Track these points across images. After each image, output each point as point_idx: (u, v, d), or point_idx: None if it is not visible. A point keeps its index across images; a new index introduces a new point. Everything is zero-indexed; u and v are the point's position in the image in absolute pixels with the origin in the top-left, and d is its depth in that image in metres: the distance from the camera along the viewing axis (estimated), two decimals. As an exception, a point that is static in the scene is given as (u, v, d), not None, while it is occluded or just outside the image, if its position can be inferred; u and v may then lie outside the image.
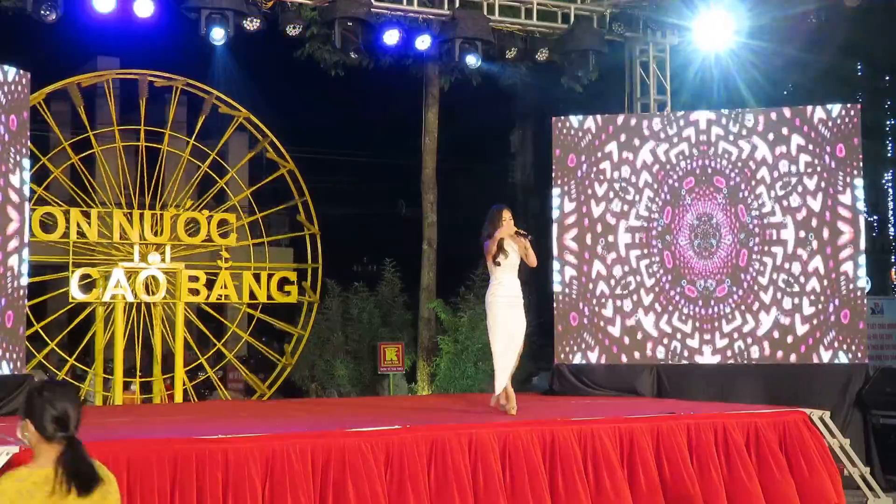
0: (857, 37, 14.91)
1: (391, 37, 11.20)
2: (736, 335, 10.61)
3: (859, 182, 10.53)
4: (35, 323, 11.41)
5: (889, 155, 18.43)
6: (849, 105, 10.87)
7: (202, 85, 12.53)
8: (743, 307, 10.63)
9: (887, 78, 18.18)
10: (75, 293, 11.56)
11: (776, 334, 10.51)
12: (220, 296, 12.35)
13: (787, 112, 10.82)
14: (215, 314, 12.97)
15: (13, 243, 8.93)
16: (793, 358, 10.44)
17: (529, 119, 19.07)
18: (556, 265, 11.02)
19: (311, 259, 13.11)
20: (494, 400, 8.27)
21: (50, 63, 13.00)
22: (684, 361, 10.69)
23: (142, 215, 11.92)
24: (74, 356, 12.08)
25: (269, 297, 12.58)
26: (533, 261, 8.21)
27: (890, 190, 18.88)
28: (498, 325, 8.16)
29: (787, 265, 10.56)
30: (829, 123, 10.59)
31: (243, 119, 12.77)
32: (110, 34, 12.91)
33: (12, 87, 9.12)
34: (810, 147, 10.61)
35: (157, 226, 11.98)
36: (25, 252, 9.14)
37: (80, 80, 12.22)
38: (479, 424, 7.18)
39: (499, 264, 8.11)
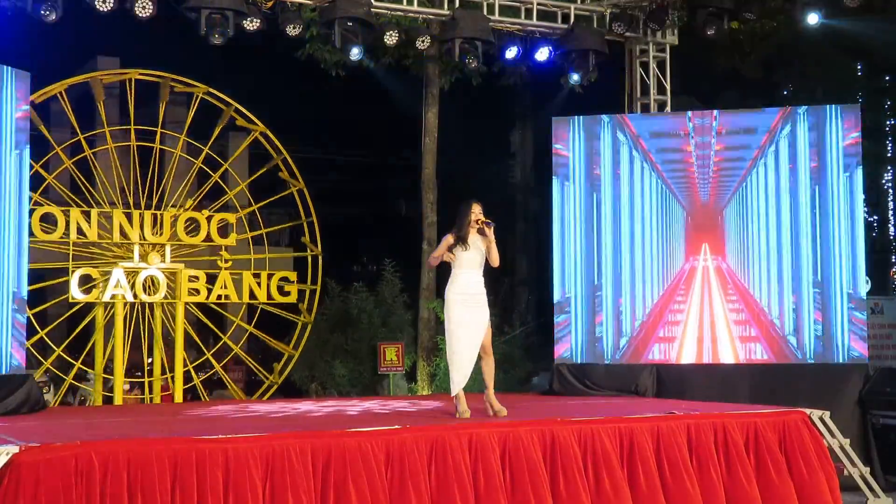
0: (857, 37, 14.90)
1: (392, 37, 11.19)
2: (737, 335, 10.62)
3: (859, 182, 10.54)
4: (38, 328, 11.41)
5: (889, 155, 18.41)
6: (849, 105, 10.88)
7: (222, 95, 12.53)
8: (743, 306, 10.64)
9: (887, 78, 18.16)
10: (75, 293, 11.56)
11: (776, 334, 10.52)
12: (221, 296, 12.35)
13: (786, 112, 10.83)
14: (210, 325, 12.93)
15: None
16: (792, 358, 10.45)
17: (529, 119, 19.06)
18: (556, 264, 11.03)
19: (310, 280, 13.07)
20: (459, 405, 7.95)
21: (50, 63, 12.97)
22: (684, 361, 10.71)
23: (142, 215, 11.91)
24: (81, 360, 12.07)
25: (269, 297, 12.58)
26: (495, 259, 7.93)
27: (890, 190, 18.85)
28: (450, 325, 7.91)
29: (786, 265, 10.56)
30: (829, 123, 10.59)
31: (259, 135, 12.78)
32: (110, 34, 12.90)
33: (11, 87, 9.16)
34: (811, 146, 10.61)
35: (157, 226, 11.98)
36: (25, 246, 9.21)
37: (103, 76, 12.31)
38: (479, 424, 7.19)
39: (454, 257, 7.88)
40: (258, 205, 13.18)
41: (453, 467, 6.74)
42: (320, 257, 13.10)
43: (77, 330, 12.17)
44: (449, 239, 7.97)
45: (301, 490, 6.28)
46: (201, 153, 12.82)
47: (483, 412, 8.11)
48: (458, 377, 7.93)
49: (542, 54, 11.78)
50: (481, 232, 7.91)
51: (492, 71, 13.61)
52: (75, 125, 12.14)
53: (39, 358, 11.87)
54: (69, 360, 12.10)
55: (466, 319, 7.89)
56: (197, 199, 12.63)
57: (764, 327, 10.57)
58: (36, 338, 11.44)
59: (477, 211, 7.93)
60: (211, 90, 12.49)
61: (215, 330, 12.95)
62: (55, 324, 12.27)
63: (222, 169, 12.98)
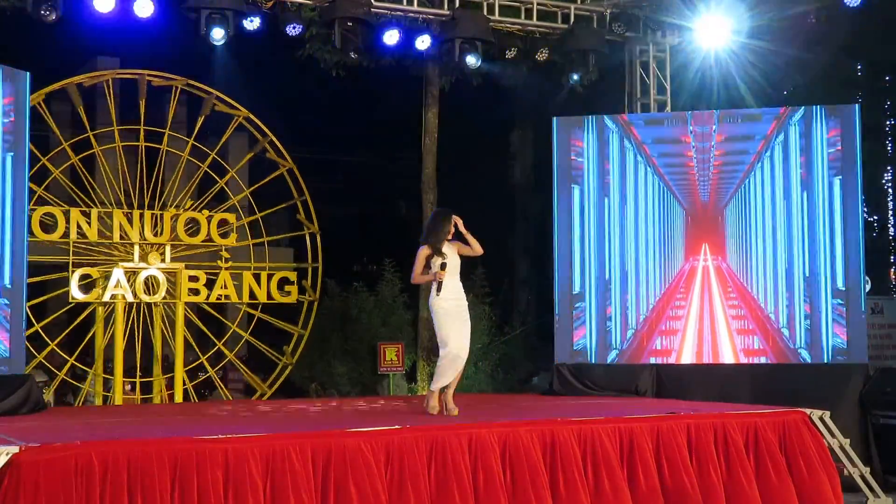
0: (857, 37, 14.89)
1: (391, 37, 11.20)
2: (737, 335, 10.63)
3: (858, 182, 10.55)
4: (34, 322, 11.39)
5: (889, 155, 18.40)
6: (848, 105, 10.89)
7: (201, 85, 12.51)
8: (743, 306, 10.64)
9: (887, 78, 18.14)
10: (75, 293, 11.56)
11: (776, 334, 10.52)
12: (220, 296, 12.34)
13: (786, 112, 10.83)
14: (207, 332, 12.92)
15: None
16: (792, 358, 10.46)
17: (529, 119, 19.03)
18: (556, 264, 11.03)
19: (311, 258, 13.10)
20: (435, 401, 8.14)
21: (50, 63, 12.97)
22: (684, 361, 10.71)
23: (142, 215, 11.92)
24: (74, 356, 12.06)
25: (269, 296, 12.57)
26: (478, 249, 8.13)
27: (890, 190, 18.83)
28: (442, 332, 8.11)
29: (786, 264, 10.57)
30: (828, 123, 10.60)
31: (243, 119, 12.76)
32: (110, 34, 12.90)
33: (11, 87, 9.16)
34: (810, 146, 10.62)
35: (157, 226, 11.99)
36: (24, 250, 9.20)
37: (82, 80, 12.24)
38: (479, 424, 7.19)
39: (443, 275, 8.03)
40: (262, 213, 13.16)
41: (453, 467, 6.74)
42: (320, 268, 13.10)
43: (73, 324, 12.15)
44: (426, 251, 8.09)
45: (301, 490, 6.28)
46: (201, 153, 12.81)
47: (486, 412, 8.15)
48: (443, 379, 8.11)
49: (542, 54, 11.77)
50: (457, 237, 8.06)
51: (492, 71, 13.60)
52: (85, 122, 12.13)
53: (36, 354, 11.87)
54: (67, 358, 12.10)
55: (457, 326, 8.11)
56: (200, 205, 12.61)
57: (764, 327, 10.57)
58: (31, 330, 11.40)
59: (456, 222, 8.11)
60: (189, 81, 12.46)
61: (212, 337, 12.93)
62: (52, 317, 12.26)
63: (227, 177, 12.96)
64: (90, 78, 12.31)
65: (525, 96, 18.12)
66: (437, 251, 8.04)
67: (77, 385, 12.67)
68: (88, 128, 12.14)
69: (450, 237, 8.10)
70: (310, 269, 13.13)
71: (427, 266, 8.08)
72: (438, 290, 8.02)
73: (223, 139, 12.91)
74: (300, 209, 13.11)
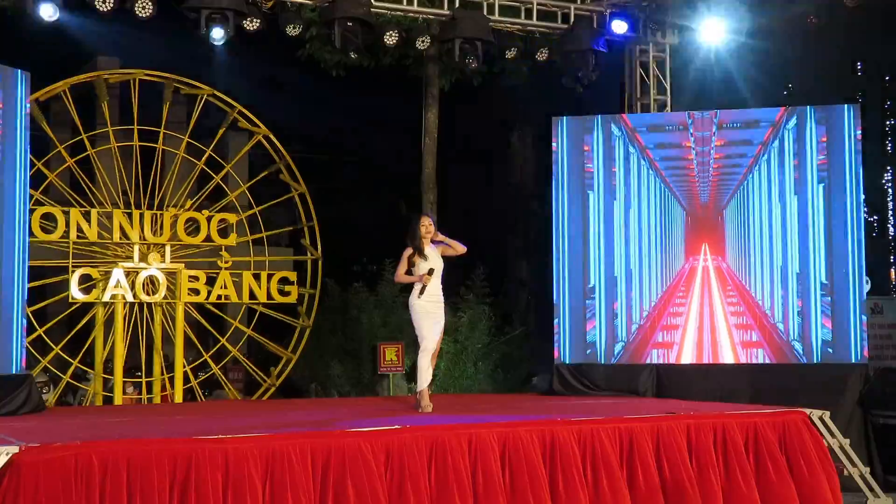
0: (857, 37, 14.90)
1: (391, 37, 11.19)
2: (737, 335, 10.63)
3: (859, 182, 10.54)
4: (36, 325, 11.39)
5: (889, 155, 18.40)
6: (838, 106, 10.89)
7: (194, 83, 12.50)
8: (743, 306, 10.65)
9: (887, 78, 18.16)
10: (75, 294, 11.56)
11: (776, 334, 10.53)
12: (220, 296, 12.34)
13: (786, 112, 10.83)
14: (209, 327, 12.91)
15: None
16: (792, 358, 10.46)
17: (529, 119, 19.03)
18: (556, 264, 11.03)
19: (310, 284, 13.07)
20: (423, 400, 8.55)
21: (50, 63, 12.97)
22: (684, 361, 10.71)
23: (141, 215, 11.92)
24: (78, 359, 12.07)
25: (269, 296, 12.57)
26: (461, 249, 8.54)
27: (890, 190, 18.83)
28: (421, 332, 8.49)
29: (786, 264, 10.57)
30: (818, 130, 10.60)
31: (237, 115, 12.73)
32: (110, 34, 12.91)
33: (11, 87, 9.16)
34: (810, 146, 10.62)
35: (157, 226, 11.98)
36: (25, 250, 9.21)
37: (108, 75, 12.34)
38: (479, 424, 7.19)
39: (429, 279, 8.40)
40: (259, 207, 13.15)
41: (453, 467, 6.74)
42: (320, 261, 13.09)
43: (76, 329, 12.16)
44: (409, 252, 8.48)
45: (301, 490, 6.28)
46: (201, 153, 12.81)
47: (486, 412, 8.19)
48: (426, 376, 8.53)
49: (542, 54, 11.78)
50: (435, 242, 8.49)
51: (492, 71, 13.60)
52: (78, 124, 12.14)
53: (38, 356, 11.86)
54: (68, 359, 12.10)
55: (433, 326, 8.52)
56: (198, 201, 12.61)
57: (764, 327, 10.58)
58: (34, 335, 11.40)
59: (427, 223, 8.47)
60: (215, 92, 12.49)
61: (214, 333, 12.94)
62: (54, 322, 12.25)
63: (223, 172, 12.96)
64: (84, 79, 12.32)
65: (525, 96, 18.13)
66: (419, 252, 8.38)
67: (77, 385, 12.68)
68: (82, 129, 12.14)
69: (431, 237, 8.42)
70: (309, 263, 13.12)
71: (410, 266, 8.44)
72: (421, 292, 8.39)
73: (217, 136, 12.89)
74: (298, 204, 13.11)
